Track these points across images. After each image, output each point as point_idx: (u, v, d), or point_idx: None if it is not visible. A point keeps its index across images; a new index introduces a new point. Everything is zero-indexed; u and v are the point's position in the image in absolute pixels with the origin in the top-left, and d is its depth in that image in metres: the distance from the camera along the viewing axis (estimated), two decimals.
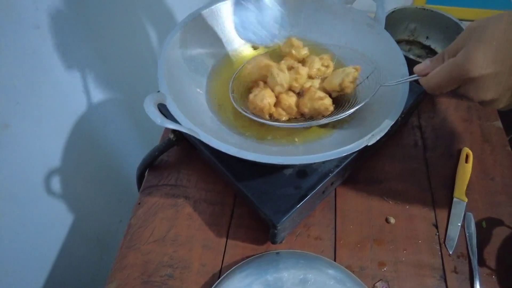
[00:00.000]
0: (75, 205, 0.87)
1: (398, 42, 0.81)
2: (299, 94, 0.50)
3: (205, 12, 0.55)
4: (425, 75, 0.39)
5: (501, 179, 0.61)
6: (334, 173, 0.48)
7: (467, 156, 0.62)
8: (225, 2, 0.55)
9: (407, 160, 0.62)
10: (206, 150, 0.49)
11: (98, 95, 0.89)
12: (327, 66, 0.51)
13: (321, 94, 0.47)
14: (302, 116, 0.49)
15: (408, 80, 0.43)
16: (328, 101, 0.47)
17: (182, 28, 0.52)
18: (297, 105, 0.48)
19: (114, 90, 0.95)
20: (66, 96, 0.78)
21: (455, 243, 0.54)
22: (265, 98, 0.46)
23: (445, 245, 0.54)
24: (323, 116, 0.47)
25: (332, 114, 0.47)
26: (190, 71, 0.51)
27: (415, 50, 0.79)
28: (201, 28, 0.55)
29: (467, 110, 0.70)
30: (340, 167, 0.48)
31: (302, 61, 0.53)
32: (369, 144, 0.40)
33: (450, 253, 0.53)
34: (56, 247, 0.84)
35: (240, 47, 0.58)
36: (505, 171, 0.62)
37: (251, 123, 0.50)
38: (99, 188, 0.96)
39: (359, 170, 0.60)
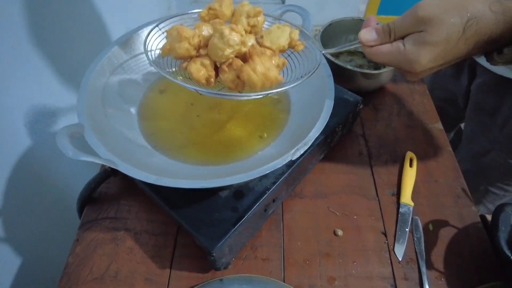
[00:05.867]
0: (23, 247, 0.82)
1: (340, 53, 0.83)
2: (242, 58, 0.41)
3: (134, 37, 0.54)
4: (369, 45, 0.40)
5: (444, 180, 0.61)
6: (271, 190, 0.47)
7: (411, 161, 0.63)
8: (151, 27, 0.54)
9: (353, 170, 0.62)
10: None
11: (41, 129, 0.86)
12: (253, 27, 0.44)
13: (270, 62, 0.39)
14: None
15: (351, 46, 0.43)
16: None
17: (108, 53, 0.51)
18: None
19: (59, 122, 0.92)
20: (4, 131, 0.75)
21: (403, 250, 0.53)
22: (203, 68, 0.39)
23: (394, 253, 0.53)
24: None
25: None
26: (119, 99, 0.50)
27: (357, 60, 0.81)
28: (130, 53, 0.54)
29: (409, 115, 0.71)
30: (277, 183, 0.47)
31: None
32: (293, 158, 0.39)
33: (400, 260, 0.52)
34: None
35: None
36: (447, 172, 0.63)
37: (189, 144, 0.48)
38: (51, 227, 0.91)
39: (304, 184, 0.59)
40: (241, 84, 0.40)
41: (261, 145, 0.49)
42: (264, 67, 0.38)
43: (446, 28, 0.34)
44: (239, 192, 0.47)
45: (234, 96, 0.41)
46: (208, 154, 0.48)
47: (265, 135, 0.50)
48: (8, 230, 0.78)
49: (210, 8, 0.44)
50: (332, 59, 0.68)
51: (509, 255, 0.45)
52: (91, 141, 0.40)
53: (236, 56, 0.40)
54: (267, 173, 0.39)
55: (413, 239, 0.55)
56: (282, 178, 0.48)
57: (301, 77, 0.41)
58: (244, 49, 0.39)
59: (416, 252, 0.53)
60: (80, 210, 0.58)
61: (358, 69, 0.66)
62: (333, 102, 0.44)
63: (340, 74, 0.69)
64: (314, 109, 0.47)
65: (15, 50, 0.76)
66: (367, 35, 0.39)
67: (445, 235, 0.55)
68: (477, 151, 0.79)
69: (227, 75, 0.40)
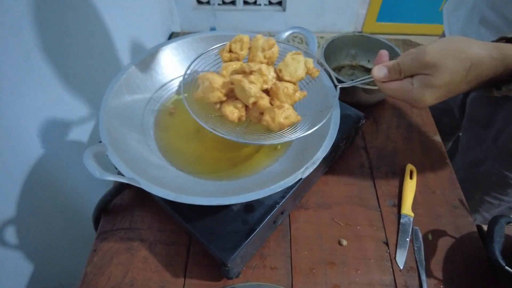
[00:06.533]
0: (33, 253, 0.85)
1: (342, 67, 0.87)
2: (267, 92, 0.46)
3: (147, 58, 0.57)
4: (381, 81, 0.44)
5: (442, 191, 0.65)
6: (280, 204, 0.50)
7: (411, 173, 0.66)
8: (163, 49, 0.57)
9: (355, 182, 0.65)
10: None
11: (54, 138, 0.88)
12: (269, 58, 0.48)
13: (290, 110, 0.44)
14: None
15: (365, 80, 0.47)
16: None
17: (124, 74, 0.54)
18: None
19: (71, 132, 0.95)
20: (17, 141, 0.77)
21: (404, 258, 0.56)
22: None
23: (395, 261, 0.56)
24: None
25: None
26: (134, 118, 0.53)
27: (358, 74, 0.84)
28: (145, 73, 0.56)
29: (408, 128, 0.75)
30: (285, 197, 0.50)
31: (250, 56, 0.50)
32: (303, 177, 0.42)
33: (401, 268, 0.55)
34: None
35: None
36: (445, 183, 0.66)
37: (203, 159, 0.51)
38: (60, 233, 0.94)
39: (309, 195, 0.62)
40: (264, 123, 0.45)
41: (271, 160, 0.52)
42: (283, 117, 0.42)
43: (450, 73, 0.38)
44: (250, 205, 0.50)
45: (256, 142, 0.45)
46: (221, 169, 0.51)
47: (279, 147, 0.53)
48: (21, 237, 0.80)
49: (231, 51, 0.48)
50: (335, 74, 0.71)
51: (504, 265, 0.48)
52: (114, 161, 0.42)
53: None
54: None
55: (413, 249, 0.58)
56: (290, 192, 0.50)
57: (320, 111, 0.47)
58: (266, 86, 0.43)
59: (416, 260, 0.56)
60: (96, 221, 0.61)
61: (359, 85, 0.69)
62: (338, 122, 0.47)
63: (341, 89, 0.72)
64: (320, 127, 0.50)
65: (27, 63, 0.78)
66: (379, 72, 0.43)
67: (443, 244, 0.58)
68: (472, 161, 0.83)
69: (252, 112, 0.45)
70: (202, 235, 0.47)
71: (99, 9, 1.06)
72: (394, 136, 0.73)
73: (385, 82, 0.43)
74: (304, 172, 0.42)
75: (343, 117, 0.59)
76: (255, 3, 2.04)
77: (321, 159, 0.44)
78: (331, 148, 0.46)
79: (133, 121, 0.53)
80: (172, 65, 0.59)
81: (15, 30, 0.74)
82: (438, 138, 0.73)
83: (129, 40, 1.35)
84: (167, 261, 0.55)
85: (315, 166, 0.43)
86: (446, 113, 0.92)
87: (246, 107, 0.45)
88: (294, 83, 0.45)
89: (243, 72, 0.44)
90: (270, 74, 0.43)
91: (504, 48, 0.38)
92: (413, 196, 0.63)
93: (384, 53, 0.46)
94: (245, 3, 2.04)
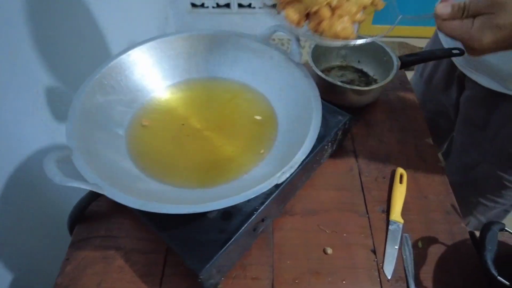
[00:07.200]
0: (15, 262, 0.82)
1: (332, 68, 0.84)
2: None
3: (124, 57, 0.54)
4: (443, 18, 0.41)
5: (434, 196, 0.62)
6: (259, 211, 0.47)
7: (401, 177, 0.63)
8: (141, 48, 0.54)
9: (343, 186, 0.62)
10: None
11: (43, 141, 0.86)
12: None
13: (348, 23, 0.44)
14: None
15: (426, 17, 0.45)
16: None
17: (98, 74, 0.51)
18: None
19: (56, 135, 0.92)
20: (2, 144, 0.75)
21: (393, 267, 0.53)
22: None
23: (383, 271, 0.53)
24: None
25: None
26: (107, 120, 0.50)
27: (348, 75, 0.82)
28: (120, 73, 0.54)
29: (400, 131, 0.72)
30: (265, 204, 0.47)
31: None
32: (279, 182, 0.39)
33: (389, 278, 0.53)
34: None
35: (160, 93, 0.58)
36: (438, 188, 0.63)
37: (178, 166, 0.49)
38: (46, 240, 0.91)
39: (295, 201, 0.60)
40: (320, 30, 0.45)
41: (251, 165, 0.49)
42: (340, 27, 0.42)
43: None
44: (227, 213, 0.47)
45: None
46: (196, 175, 0.48)
47: (262, 151, 0.50)
48: (1, 244, 0.77)
49: None
50: (323, 76, 0.68)
51: (496, 274, 0.45)
52: (79, 165, 0.40)
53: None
54: None
55: (402, 257, 0.55)
56: (270, 198, 0.48)
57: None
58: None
59: (405, 270, 0.53)
60: (71, 229, 0.58)
61: (348, 86, 0.67)
62: (319, 125, 0.45)
63: (330, 90, 0.69)
64: (301, 127, 0.47)
65: (15, 65, 0.76)
66: (443, 9, 0.41)
67: (435, 252, 0.55)
68: (467, 163, 0.80)
69: (311, 20, 0.45)
70: (176, 244, 0.44)
71: (93, 13, 1.04)
72: (386, 139, 0.70)
73: (445, 20, 0.41)
74: (281, 177, 0.40)
75: (329, 119, 0.57)
76: (249, 6, 2.03)
77: (299, 162, 0.41)
78: (314, 151, 0.44)
79: (106, 124, 0.50)
80: (149, 65, 0.57)
81: (6, 30, 0.72)
82: (430, 141, 0.71)
83: (124, 44, 1.33)
84: (144, 271, 0.53)
85: (292, 171, 0.40)
86: (442, 115, 0.90)
87: (307, 15, 0.45)
88: (358, 6, 0.44)
89: None
90: None
91: None
92: (402, 202, 0.60)
93: None
94: (240, 6, 2.03)
